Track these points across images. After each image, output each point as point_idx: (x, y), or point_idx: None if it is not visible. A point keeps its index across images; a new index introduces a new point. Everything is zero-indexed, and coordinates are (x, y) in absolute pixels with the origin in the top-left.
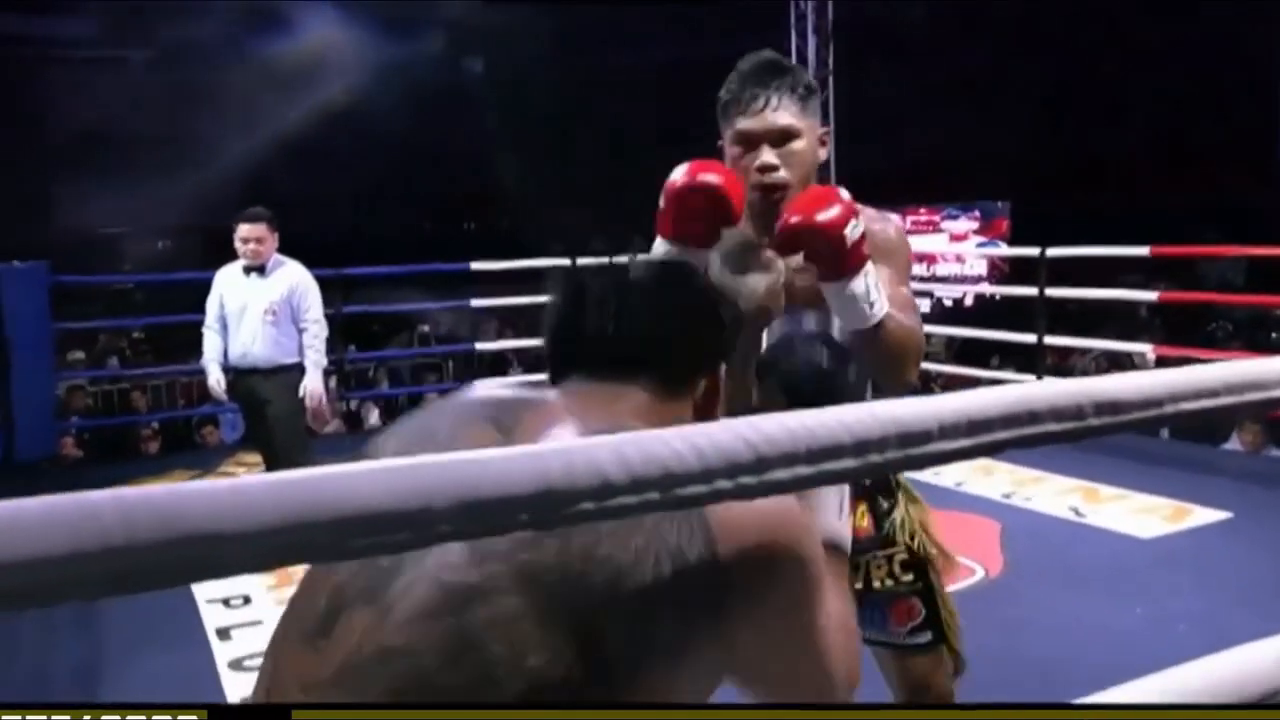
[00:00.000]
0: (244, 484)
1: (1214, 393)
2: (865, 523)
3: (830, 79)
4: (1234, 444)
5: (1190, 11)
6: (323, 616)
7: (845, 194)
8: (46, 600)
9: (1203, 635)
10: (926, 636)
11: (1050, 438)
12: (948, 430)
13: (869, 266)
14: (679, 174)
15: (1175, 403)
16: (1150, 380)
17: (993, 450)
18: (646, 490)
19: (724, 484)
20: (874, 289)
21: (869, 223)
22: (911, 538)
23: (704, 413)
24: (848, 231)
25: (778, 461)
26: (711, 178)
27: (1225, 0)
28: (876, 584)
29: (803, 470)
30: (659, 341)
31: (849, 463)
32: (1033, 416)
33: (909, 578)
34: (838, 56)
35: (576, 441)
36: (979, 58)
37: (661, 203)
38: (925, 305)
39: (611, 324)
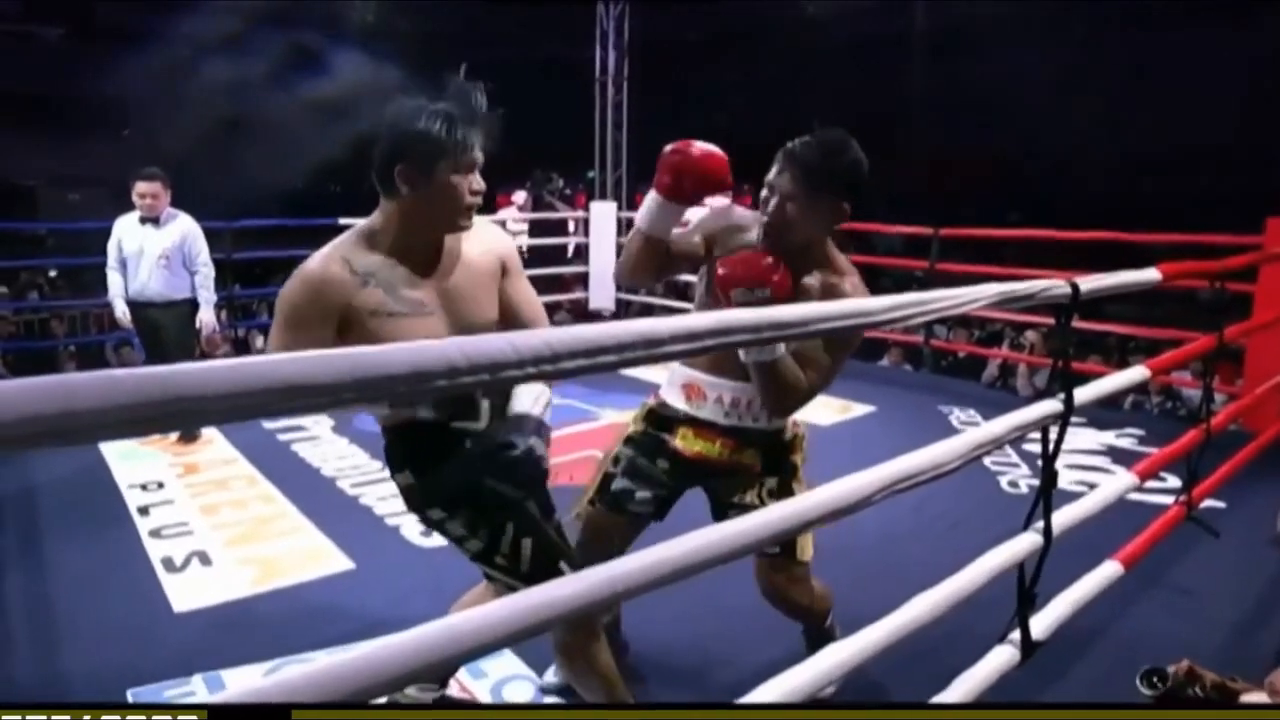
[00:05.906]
0: (219, 365)
1: (831, 319)
2: (752, 460)
3: (625, 85)
4: (884, 361)
5: None
6: None
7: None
8: (53, 443)
9: None
10: (776, 549)
11: (733, 344)
12: (676, 338)
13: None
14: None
15: (821, 323)
16: (788, 311)
17: (706, 350)
18: (480, 373)
19: (531, 370)
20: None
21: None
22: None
23: (439, 205)
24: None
25: (566, 356)
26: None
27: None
28: (751, 499)
29: (582, 362)
30: (376, 170)
31: (611, 357)
32: (727, 330)
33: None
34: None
35: (439, 342)
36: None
37: (666, 172)
38: None
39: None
